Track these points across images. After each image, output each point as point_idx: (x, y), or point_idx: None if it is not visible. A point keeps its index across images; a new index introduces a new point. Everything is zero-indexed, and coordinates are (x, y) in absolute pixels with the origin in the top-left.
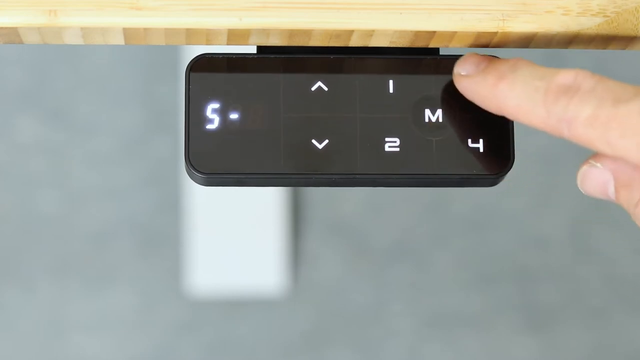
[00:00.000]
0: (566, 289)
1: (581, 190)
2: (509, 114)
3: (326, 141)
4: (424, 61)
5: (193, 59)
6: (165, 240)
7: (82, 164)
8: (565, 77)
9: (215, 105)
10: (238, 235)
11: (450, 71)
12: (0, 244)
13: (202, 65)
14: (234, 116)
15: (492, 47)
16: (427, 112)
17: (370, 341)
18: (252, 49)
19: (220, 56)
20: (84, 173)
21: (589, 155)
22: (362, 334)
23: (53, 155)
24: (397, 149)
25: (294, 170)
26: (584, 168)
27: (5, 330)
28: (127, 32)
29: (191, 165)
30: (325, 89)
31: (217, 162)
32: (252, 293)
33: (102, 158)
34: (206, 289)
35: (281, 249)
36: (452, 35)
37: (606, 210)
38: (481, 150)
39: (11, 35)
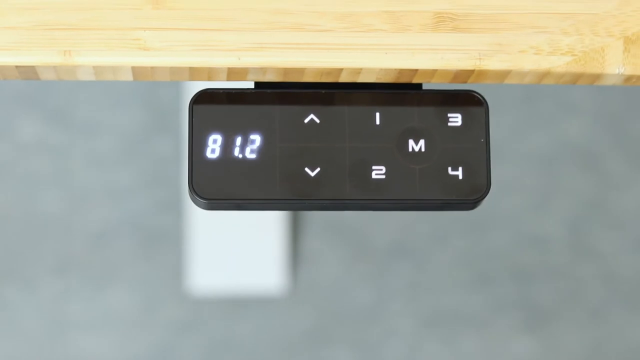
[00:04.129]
0: (564, 288)
1: None
2: None
3: (318, 169)
4: (408, 95)
5: (196, 94)
6: (166, 240)
7: (84, 164)
8: None
9: (216, 136)
10: (239, 235)
11: (431, 104)
12: (3, 243)
13: (204, 99)
14: (233, 146)
15: (470, 82)
16: (411, 142)
17: (370, 340)
18: (250, 84)
19: (221, 91)
20: (86, 173)
21: (587, 156)
22: (362, 334)
23: (55, 155)
24: (383, 176)
25: (288, 196)
26: None
27: (8, 328)
28: (136, 70)
29: (194, 192)
30: (317, 120)
31: (218, 188)
32: (252, 292)
33: (104, 158)
34: (207, 288)
35: (281, 249)
36: (433, 72)
37: (605, 210)
38: (460, 177)
39: (29, 73)
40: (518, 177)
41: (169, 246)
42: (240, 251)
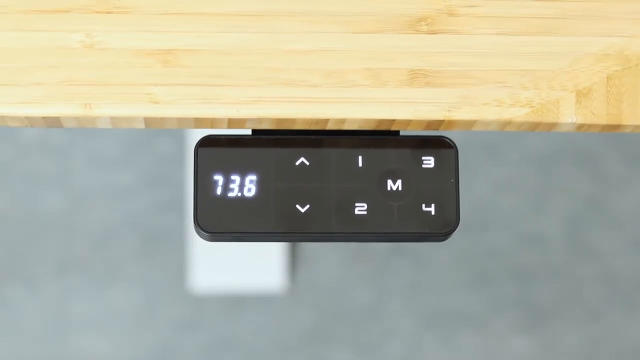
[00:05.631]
0: (564, 288)
1: None
2: None
3: (307, 206)
4: (387, 140)
5: (200, 139)
6: (168, 239)
7: (86, 164)
8: None
9: (218, 176)
10: None
11: (408, 148)
12: (5, 243)
13: (208, 143)
14: (233, 185)
15: (441, 130)
16: (390, 182)
17: (370, 340)
18: (248, 131)
19: (222, 136)
20: (87, 173)
21: (586, 156)
22: (362, 333)
23: (56, 155)
24: (365, 212)
25: (281, 229)
26: None
27: (10, 328)
28: (147, 120)
29: (199, 226)
30: (307, 163)
31: (220, 223)
32: (253, 292)
33: (105, 158)
34: (208, 288)
35: (282, 249)
36: (408, 122)
37: (603, 210)
38: (433, 213)
39: (54, 122)
40: (517, 177)
41: (171, 246)
42: (241, 251)
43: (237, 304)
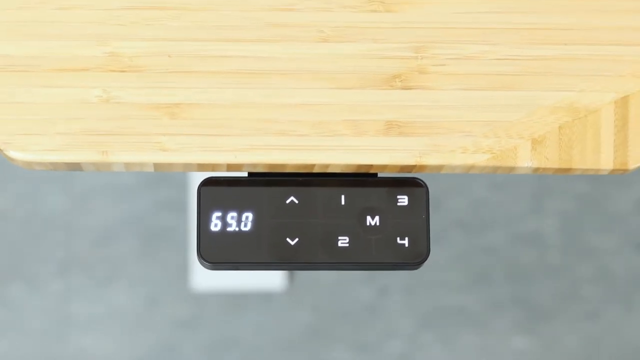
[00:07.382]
0: (562, 287)
1: None
2: None
3: (296, 239)
4: (366, 181)
5: (203, 180)
6: (169, 238)
7: None
8: None
9: (219, 213)
10: None
11: (384, 188)
12: (7, 243)
13: (210, 184)
14: (232, 221)
15: (414, 172)
16: (368, 218)
17: (369, 340)
18: (245, 173)
19: (222, 178)
20: (89, 172)
21: None
22: (361, 333)
23: None
24: (347, 245)
25: (274, 260)
26: None
27: (11, 327)
28: (157, 166)
29: (202, 257)
30: (296, 201)
31: (220, 254)
32: (253, 291)
33: None
34: (209, 286)
35: None
36: (384, 166)
37: (601, 209)
38: (406, 245)
39: (74, 167)
40: (515, 176)
41: (171, 245)
42: None
43: (237, 303)
